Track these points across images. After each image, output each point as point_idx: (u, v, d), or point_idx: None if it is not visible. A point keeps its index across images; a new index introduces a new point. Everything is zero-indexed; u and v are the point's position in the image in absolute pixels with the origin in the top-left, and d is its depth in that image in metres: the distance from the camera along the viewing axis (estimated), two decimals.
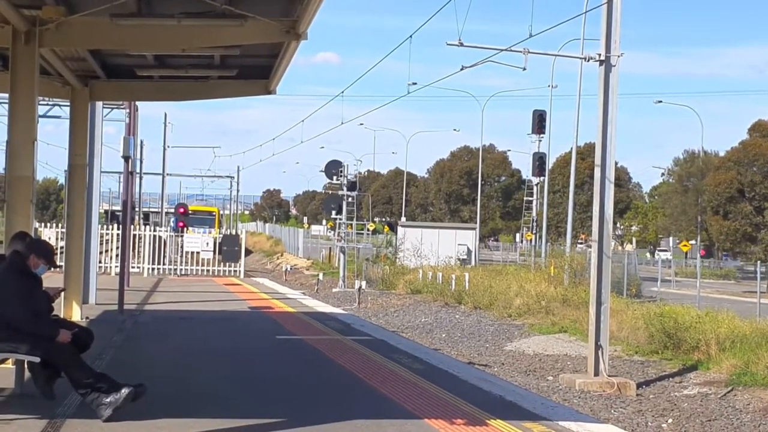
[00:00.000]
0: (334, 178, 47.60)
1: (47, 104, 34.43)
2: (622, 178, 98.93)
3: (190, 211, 67.26)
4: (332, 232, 59.87)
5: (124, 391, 9.07)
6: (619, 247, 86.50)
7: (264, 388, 11.54)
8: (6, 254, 9.78)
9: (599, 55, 19.20)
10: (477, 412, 10.13)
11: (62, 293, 11.15)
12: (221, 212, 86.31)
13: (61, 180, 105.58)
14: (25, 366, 9.75)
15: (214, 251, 38.22)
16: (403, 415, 9.93)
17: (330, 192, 56.41)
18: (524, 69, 20.93)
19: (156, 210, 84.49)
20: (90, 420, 8.94)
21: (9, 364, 9.97)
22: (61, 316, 12.38)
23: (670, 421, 16.79)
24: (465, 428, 9.36)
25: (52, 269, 10.01)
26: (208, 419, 9.31)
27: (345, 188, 47.13)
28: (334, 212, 48.28)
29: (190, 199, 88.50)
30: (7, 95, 39.36)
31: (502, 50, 21.03)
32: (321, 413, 9.84)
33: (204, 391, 11.14)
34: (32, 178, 12.69)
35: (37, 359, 9.10)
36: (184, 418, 9.36)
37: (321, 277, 48.27)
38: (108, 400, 9.03)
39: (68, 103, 40.07)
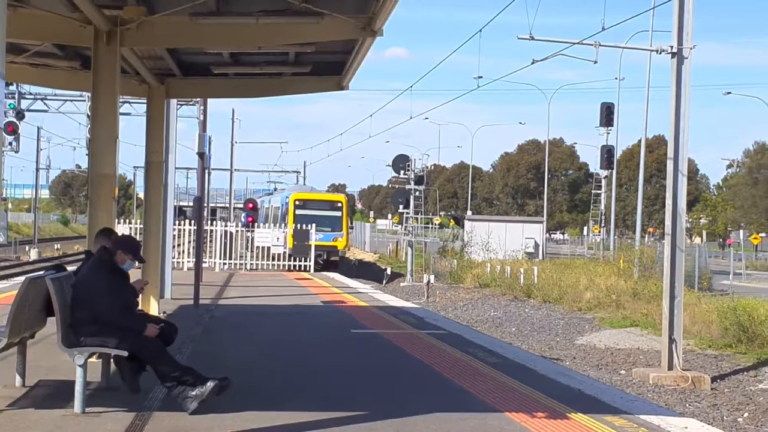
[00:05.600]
0: (402, 172, 47.85)
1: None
2: (691, 171, 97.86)
3: (297, 201, 49.13)
4: (399, 226, 59.77)
5: (210, 384, 9.22)
6: (688, 240, 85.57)
7: (344, 381, 11.66)
8: (93, 250, 10.01)
9: (671, 47, 19.06)
10: (557, 406, 10.16)
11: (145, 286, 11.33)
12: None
13: (130, 176, 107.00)
14: (111, 360, 9.96)
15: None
16: (483, 408, 9.98)
17: (396, 186, 56.50)
18: (595, 62, 20.99)
19: (222, 205, 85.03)
20: (176, 413, 9.10)
21: (94, 358, 10.17)
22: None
23: (746, 415, 16.65)
24: (547, 422, 9.39)
25: (138, 264, 10.23)
26: (291, 412, 9.44)
27: (412, 182, 47.35)
28: (401, 206, 48.53)
29: (257, 194, 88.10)
30: (81, 93, 39.98)
31: (573, 44, 21.06)
32: (402, 406, 9.92)
33: (285, 384, 11.28)
34: (114, 175, 12.95)
35: (125, 353, 9.28)
36: (268, 411, 9.50)
37: (389, 271, 48.46)
38: (194, 393, 9.19)
39: (138, 100, 40.82)
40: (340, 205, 50.42)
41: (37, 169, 78.47)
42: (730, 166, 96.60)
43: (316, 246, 43.59)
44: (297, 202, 49.00)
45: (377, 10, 12.32)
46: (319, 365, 12.94)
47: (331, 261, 45.54)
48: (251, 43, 14.23)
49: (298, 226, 39.44)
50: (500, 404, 10.19)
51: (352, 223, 60.14)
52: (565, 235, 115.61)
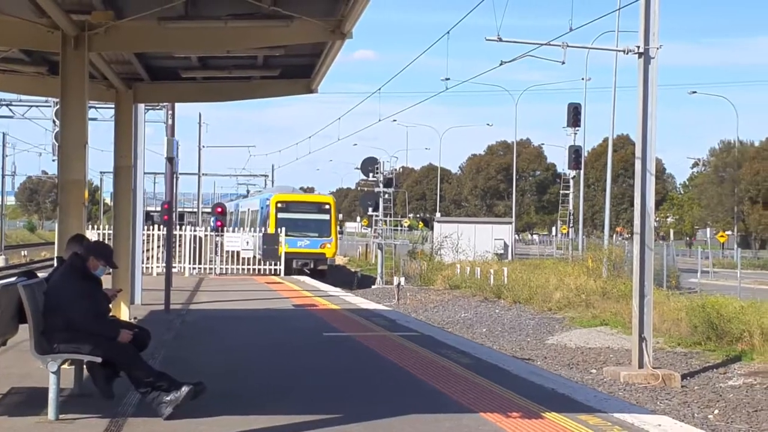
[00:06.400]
0: (371, 175, 47.82)
1: None
2: (658, 170, 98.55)
3: (279, 204, 45.13)
4: (368, 229, 59.60)
5: (185, 389, 9.20)
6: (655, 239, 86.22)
7: (317, 384, 11.65)
8: (65, 257, 9.95)
9: (638, 47, 19.22)
10: (531, 405, 10.20)
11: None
12: None
13: (96, 182, 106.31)
14: (84, 366, 9.90)
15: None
16: (457, 409, 10.01)
17: (365, 189, 56.54)
18: (563, 63, 21.11)
19: (190, 210, 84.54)
20: (151, 418, 9.08)
21: (66, 365, 10.11)
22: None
23: (716, 411, 16.81)
24: (521, 421, 9.43)
25: (111, 270, 10.18)
26: (267, 416, 9.43)
27: (381, 185, 47.37)
28: (370, 209, 48.53)
29: (227, 198, 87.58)
30: (46, 99, 39.59)
31: (541, 45, 21.19)
32: (377, 409, 9.94)
33: (259, 388, 11.25)
34: (84, 181, 12.86)
35: (98, 359, 9.23)
36: (243, 415, 9.49)
37: (359, 274, 48.44)
38: (168, 398, 9.17)
39: (104, 105, 40.49)
40: (328, 207, 45.75)
41: (3, 176, 77.89)
42: (695, 164, 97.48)
43: (301, 254, 41.81)
44: (279, 205, 44.85)
45: (346, 13, 12.32)
46: (293, 369, 12.93)
47: (318, 270, 41.96)
48: (220, 47, 14.19)
49: (279, 231, 38.04)
50: (475, 405, 10.22)
51: (341, 228, 56.52)
52: (535, 236, 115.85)
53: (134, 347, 9.43)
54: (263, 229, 40.17)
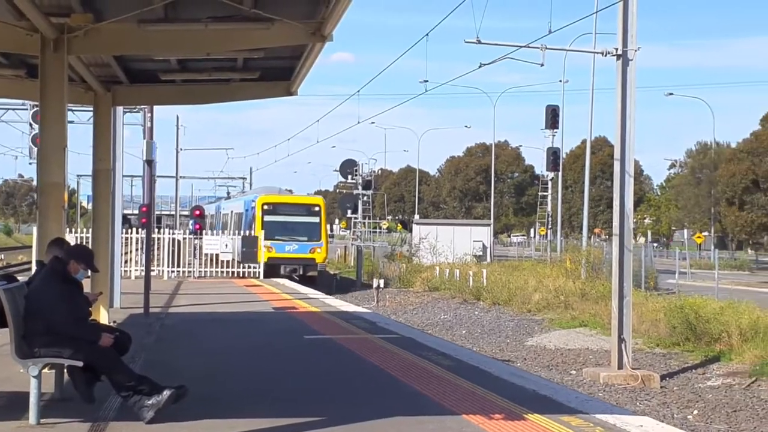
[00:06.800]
0: (349, 177, 47.80)
1: None
2: (635, 171, 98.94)
3: (265, 205, 42.76)
4: (347, 231, 59.53)
5: (166, 392, 9.18)
6: (633, 240, 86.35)
7: (300, 387, 11.63)
8: (45, 260, 9.91)
9: (616, 49, 19.30)
10: (513, 407, 10.22)
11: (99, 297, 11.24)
12: None
13: (73, 185, 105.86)
14: (65, 370, 9.85)
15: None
16: (440, 411, 10.02)
17: (343, 191, 56.54)
18: (542, 65, 21.14)
19: (168, 213, 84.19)
20: (132, 422, 9.04)
21: (47, 369, 10.06)
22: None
23: (695, 412, 16.88)
24: (504, 423, 9.44)
25: (91, 274, 10.14)
26: (249, 419, 9.41)
27: (360, 187, 47.36)
28: (349, 211, 48.51)
29: (207, 200, 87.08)
30: (23, 102, 39.29)
31: (520, 47, 21.22)
32: (360, 411, 9.93)
33: (241, 391, 11.22)
34: (64, 184, 12.82)
35: (80, 363, 9.19)
36: (225, 418, 9.47)
37: (338, 277, 48.39)
38: (150, 402, 9.14)
39: (81, 108, 40.32)
40: (317, 209, 43.13)
41: None
42: (672, 166, 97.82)
43: (289, 259, 40.45)
44: (266, 207, 42.29)
45: (327, 15, 12.32)
46: (274, 372, 12.91)
47: (308, 276, 40.16)
48: (200, 50, 14.18)
49: (264, 233, 37.27)
50: (457, 407, 10.23)
51: (332, 231, 54.84)
52: (513, 237, 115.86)
53: (115, 351, 9.40)
54: (249, 232, 38.86)
